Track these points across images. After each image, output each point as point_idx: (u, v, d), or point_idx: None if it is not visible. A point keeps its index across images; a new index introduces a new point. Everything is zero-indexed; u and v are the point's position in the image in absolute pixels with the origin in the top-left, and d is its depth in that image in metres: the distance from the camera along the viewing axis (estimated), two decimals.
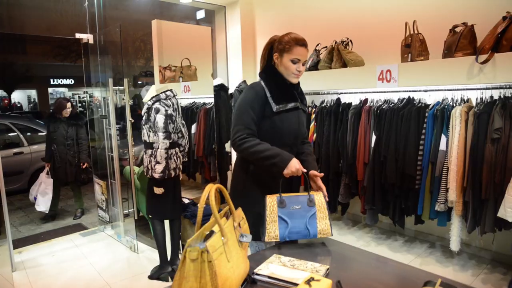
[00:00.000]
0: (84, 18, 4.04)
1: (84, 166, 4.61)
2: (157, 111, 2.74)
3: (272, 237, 1.58)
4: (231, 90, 4.36)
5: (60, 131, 4.45)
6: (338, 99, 3.62)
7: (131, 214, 3.89)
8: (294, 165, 1.71)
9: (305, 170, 1.75)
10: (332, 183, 3.56)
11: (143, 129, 2.86)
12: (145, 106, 2.85)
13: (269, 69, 1.88)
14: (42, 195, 4.34)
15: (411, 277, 1.40)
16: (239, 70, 4.60)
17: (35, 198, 4.33)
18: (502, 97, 2.65)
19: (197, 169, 4.44)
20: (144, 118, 2.86)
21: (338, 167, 3.52)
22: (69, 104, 4.49)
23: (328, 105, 3.66)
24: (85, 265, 3.31)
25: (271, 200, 1.63)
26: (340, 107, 3.51)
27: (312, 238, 1.64)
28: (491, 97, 2.75)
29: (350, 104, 3.49)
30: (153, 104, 2.79)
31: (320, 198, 1.68)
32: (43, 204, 4.35)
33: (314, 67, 3.68)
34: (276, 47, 1.83)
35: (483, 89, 2.76)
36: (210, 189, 1.12)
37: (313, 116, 3.69)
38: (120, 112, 3.92)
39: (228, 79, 4.78)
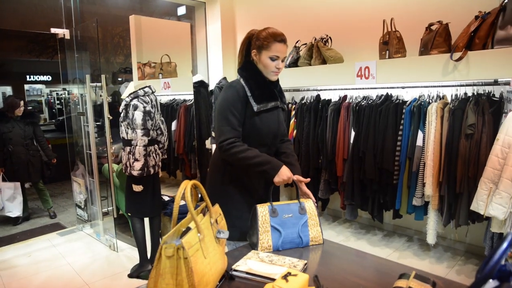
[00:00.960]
0: (60, 13, 3.94)
1: (54, 161, 4.52)
2: (135, 107, 2.70)
3: (265, 248, 1.53)
4: (211, 87, 4.34)
5: (16, 130, 4.22)
6: (318, 95, 3.65)
7: (111, 213, 3.84)
8: (285, 173, 1.68)
9: (295, 178, 1.71)
10: (312, 179, 3.59)
11: (121, 126, 2.82)
12: (123, 103, 2.81)
13: (248, 66, 1.80)
14: (11, 201, 4.17)
15: (388, 270, 1.43)
16: (219, 67, 4.58)
17: (3, 207, 4.15)
18: (475, 94, 2.73)
19: (177, 166, 4.41)
20: (122, 115, 2.82)
21: (318, 163, 3.55)
22: (22, 103, 4.29)
23: (308, 101, 3.69)
24: (62, 265, 3.25)
25: (263, 210, 1.58)
26: (320, 103, 3.54)
27: (304, 246, 1.60)
28: (465, 94, 2.82)
29: (329, 100, 3.53)
30: (131, 100, 2.76)
31: (310, 205, 1.66)
32: (15, 209, 4.21)
33: (294, 63, 3.70)
34: (254, 44, 1.76)
35: (458, 86, 2.83)
36: (186, 186, 1.11)
37: (293, 112, 3.70)
38: (99, 109, 3.84)
39: (208, 76, 4.76)
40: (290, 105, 3.78)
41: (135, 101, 2.73)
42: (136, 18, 3.53)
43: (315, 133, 3.54)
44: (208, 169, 1.96)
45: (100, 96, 3.51)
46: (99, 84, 3.57)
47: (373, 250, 3.28)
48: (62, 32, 3.85)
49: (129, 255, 3.39)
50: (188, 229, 1.13)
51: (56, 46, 4.17)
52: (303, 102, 3.71)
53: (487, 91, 2.70)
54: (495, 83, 2.51)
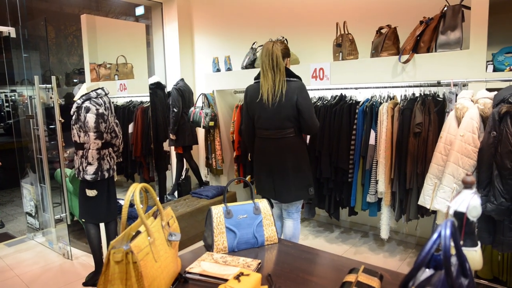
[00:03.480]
0: (4, 9, 3.73)
1: None
2: (87, 110, 2.61)
3: (221, 249, 1.54)
4: (169, 88, 4.28)
5: None
6: None
7: (64, 219, 3.68)
8: None
9: None
10: None
11: (72, 129, 2.71)
12: (74, 105, 2.71)
13: (290, 72, 2.46)
14: None
15: (340, 266, 1.47)
16: (177, 68, 4.53)
17: None
18: (422, 94, 2.88)
19: (135, 169, 4.31)
20: (73, 117, 2.71)
21: None
22: None
23: None
24: (11, 277, 3.07)
25: (218, 212, 1.59)
26: None
27: (260, 247, 1.62)
28: (413, 94, 2.96)
29: None
30: (82, 103, 2.66)
31: (265, 205, 1.69)
32: None
33: (251, 65, 3.72)
34: (286, 54, 2.48)
35: (406, 87, 2.97)
36: (135, 189, 1.10)
37: None
38: (52, 112, 3.67)
39: (166, 77, 4.69)
40: None
41: (87, 103, 2.64)
42: (88, 18, 3.41)
43: None
44: (290, 160, 2.50)
45: (51, 98, 3.36)
46: (48, 85, 3.41)
47: (331, 247, 3.36)
48: (7, 30, 3.64)
49: (84, 262, 3.27)
50: (138, 232, 1.11)
51: (1, 45, 3.94)
52: None
53: (432, 92, 2.86)
54: (438, 84, 2.66)
